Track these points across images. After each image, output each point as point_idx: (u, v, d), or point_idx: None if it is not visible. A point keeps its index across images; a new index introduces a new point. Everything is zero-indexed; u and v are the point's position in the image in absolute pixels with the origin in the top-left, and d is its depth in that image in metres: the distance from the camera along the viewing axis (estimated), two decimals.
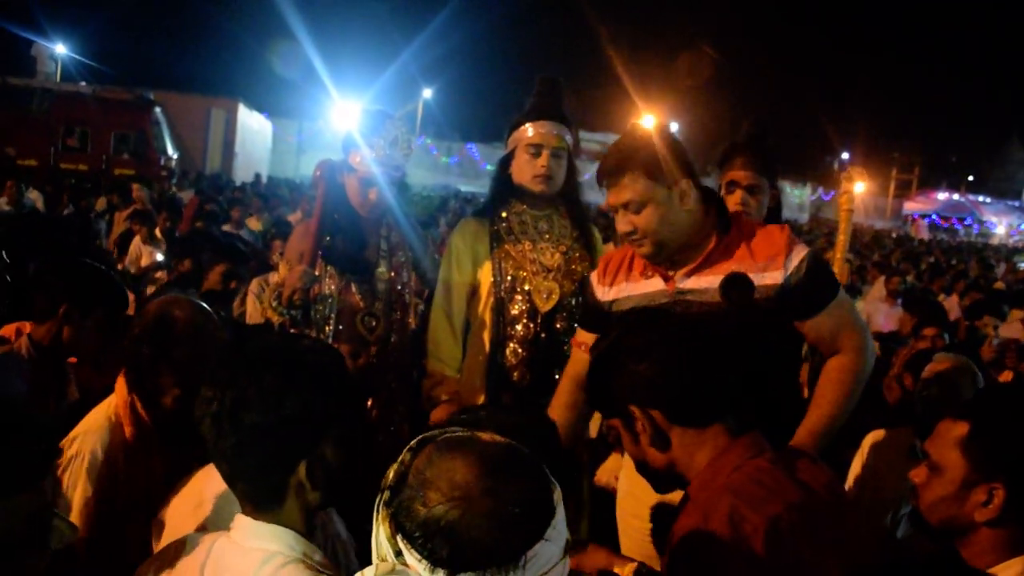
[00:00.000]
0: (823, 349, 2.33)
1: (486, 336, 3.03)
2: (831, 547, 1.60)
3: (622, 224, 2.30)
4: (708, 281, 2.28)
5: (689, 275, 2.31)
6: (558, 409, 2.47)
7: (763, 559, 1.52)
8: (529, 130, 3.03)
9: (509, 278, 3.02)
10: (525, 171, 3.03)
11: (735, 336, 2.02)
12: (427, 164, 38.20)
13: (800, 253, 2.28)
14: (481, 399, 3.00)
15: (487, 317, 3.03)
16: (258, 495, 1.46)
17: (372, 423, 2.98)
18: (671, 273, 2.33)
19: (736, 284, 2.25)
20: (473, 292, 3.08)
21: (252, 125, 30.84)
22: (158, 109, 22.79)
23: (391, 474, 1.14)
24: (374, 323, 3.01)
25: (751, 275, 2.25)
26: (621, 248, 2.56)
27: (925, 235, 37.69)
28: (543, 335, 3.00)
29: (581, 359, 2.35)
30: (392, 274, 3.10)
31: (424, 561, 1.06)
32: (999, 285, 12.27)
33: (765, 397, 2.17)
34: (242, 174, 26.78)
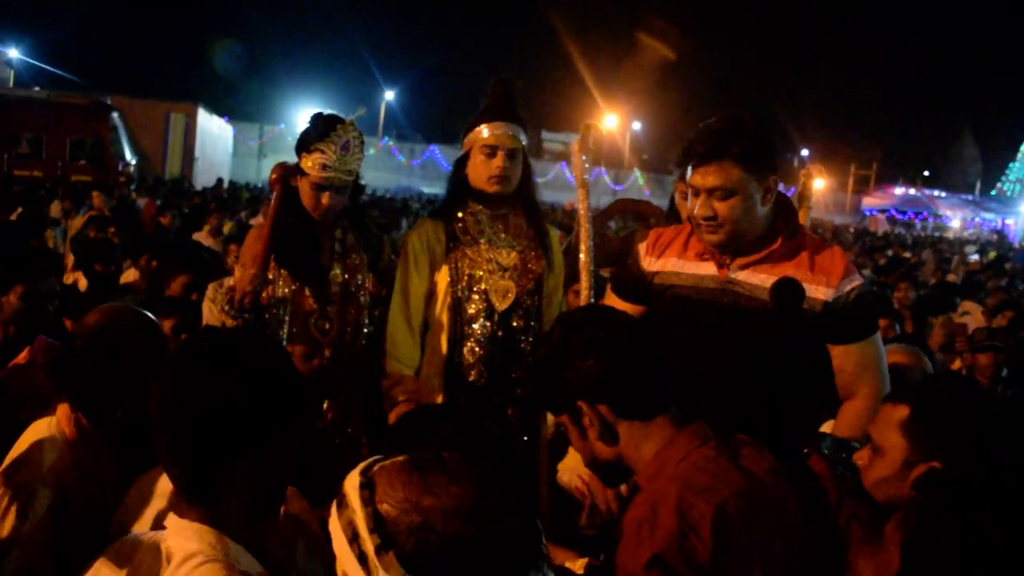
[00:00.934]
0: (841, 382, 2.34)
1: (443, 336, 3.04)
2: (776, 532, 1.65)
3: (703, 208, 2.26)
4: (761, 279, 2.30)
5: (744, 267, 2.32)
6: None
7: (711, 546, 1.55)
8: (484, 131, 3.04)
9: (466, 278, 3.04)
10: (480, 172, 3.04)
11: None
12: (390, 166, 38.05)
13: (855, 281, 2.32)
14: (440, 399, 3.01)
15: (444, 317, 3.05)
16: (185, 491, 1.45)
17: (328, 426, 2.99)
18: (728, 261, 2.34)
19: (788, 288, 2.25)
20: (430, 292, 3.09)
21: (212, 129, 30.56)
22: (115, 114, 22.41)
23: (362, 515, 1.06)
24: (327, 325, 3.01)
25: (804, 284, 2.27)
26: (676, 226, 2.58)
27: (885, 228, 38.21)
28: (500, 334, 3.03)
29: None
30: (346, 276, 3.10)
31: None
32: (951, 278, 12.48)
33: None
34: (203, 179, 26.52)
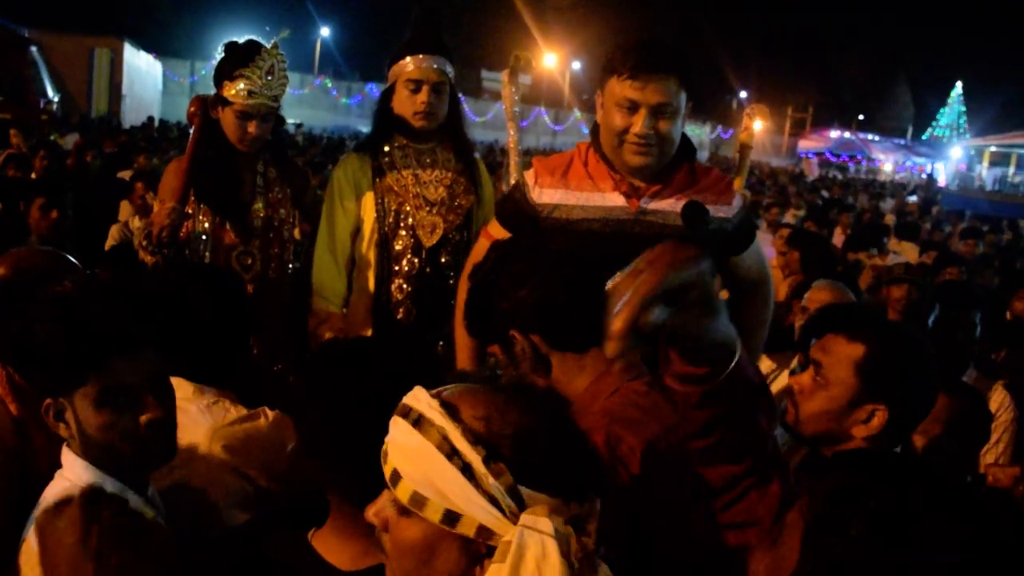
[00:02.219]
0: (747, 282, 2.48)
1: (371, 273, 2.98)
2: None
3: (641, 126, 2.18)
4: (670, 204, 2.30)
5: (654, 196, 2.30)
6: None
7: (640, 480, 1.54)
8: (409, 64, 2.94)
9: (392, 213, 2.97)
10: (406, 106, 2.96)
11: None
12: (326, 104, 37.29)
13: (739, 197, 2.44)
14: (368, 335, 2.96)
15: (371, 254, 2.98)
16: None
17: (255, 362, 2.92)
18: (641, 190, 2.30)
19: (698, 210, 2.25)
20: (357, 229, 3.02)
21: (140, 66, 29.54)
22: (34, 48, 21.51)
23: (457, 431, 1.06)
24: (250, 260, 2.95)
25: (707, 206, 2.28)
26: (564, 154, 2.48)
27: (815, 172, 38.86)
28: (428, 270, 2.97)
29: (485, 248, 2.14)
30: (269, 210, 3.02)
31: (558, 498, 1.05)
32: (889, 219, 12.73)
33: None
34: (132, 117, 25.70)
